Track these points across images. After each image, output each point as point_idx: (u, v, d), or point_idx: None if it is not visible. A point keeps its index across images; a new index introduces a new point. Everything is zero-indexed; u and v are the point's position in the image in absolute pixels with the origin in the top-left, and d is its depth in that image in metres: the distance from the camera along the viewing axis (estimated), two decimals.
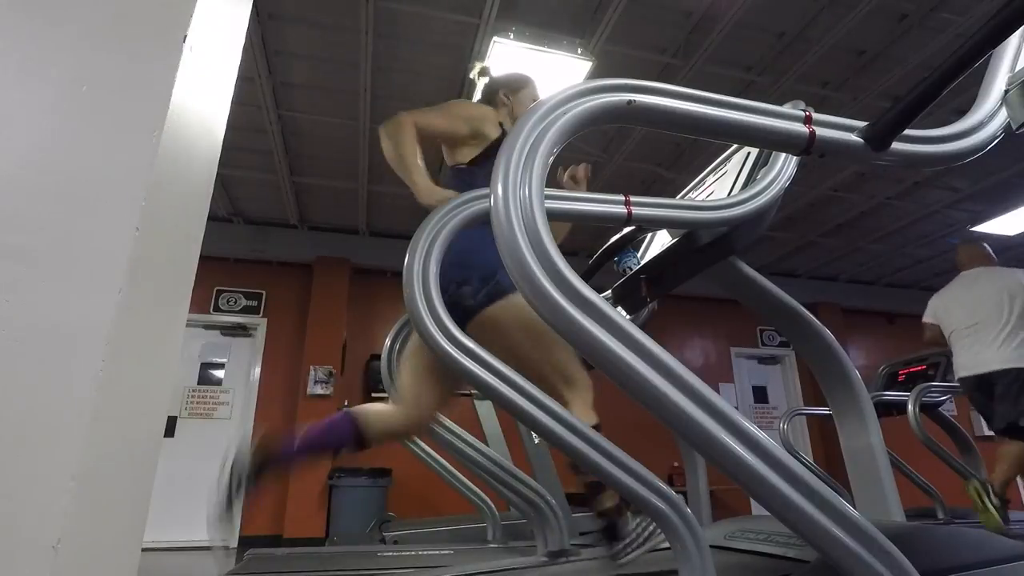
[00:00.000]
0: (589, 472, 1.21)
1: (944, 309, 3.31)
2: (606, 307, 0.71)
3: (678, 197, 1.60)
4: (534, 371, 1.59)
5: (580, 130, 0.79)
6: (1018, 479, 6.01)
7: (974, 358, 3.09)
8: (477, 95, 1.99)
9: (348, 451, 1.60)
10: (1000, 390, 2.97)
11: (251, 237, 6.12)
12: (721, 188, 1.33)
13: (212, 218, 4.29)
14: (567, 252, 0.83)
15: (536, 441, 3.22)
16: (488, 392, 1.16)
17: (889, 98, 4.34)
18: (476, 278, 1.59)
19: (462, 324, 1.56)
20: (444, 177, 1.86)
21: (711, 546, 1.12)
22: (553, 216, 0.90)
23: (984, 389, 3.05)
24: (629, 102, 0.80)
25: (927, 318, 3.38)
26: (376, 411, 1.67)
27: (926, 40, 3.88)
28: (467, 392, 2.99)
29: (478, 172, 1.73)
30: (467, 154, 1.78)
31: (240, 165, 5.14)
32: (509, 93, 1.96)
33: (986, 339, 3.06)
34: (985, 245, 3.43)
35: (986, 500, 2.75)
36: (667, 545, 1.11)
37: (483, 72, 2.00)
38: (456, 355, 1.15)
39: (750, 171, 1.25)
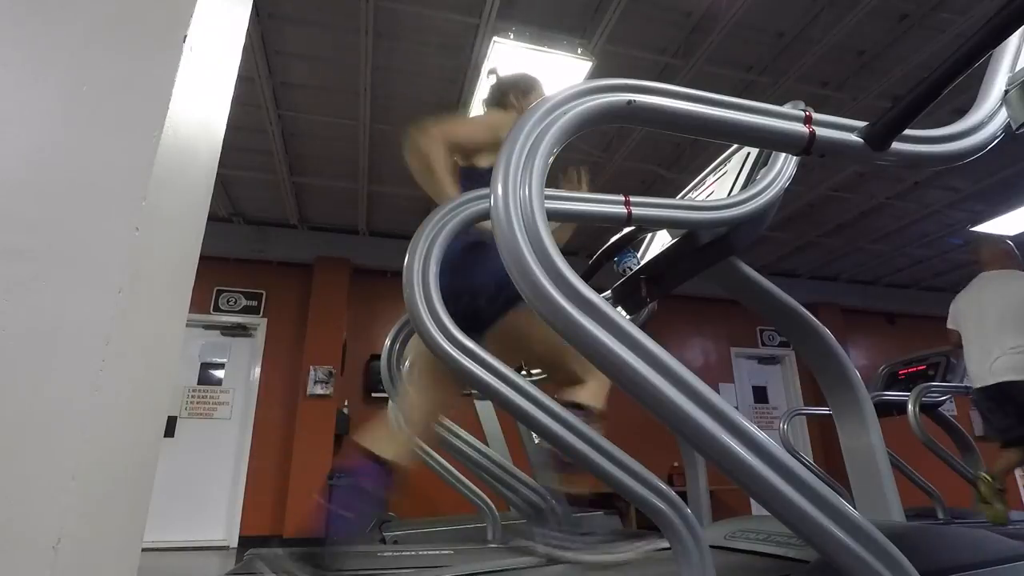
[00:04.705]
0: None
1: (960, 313, 3.29)
2: (606, 307, 0.71)
3: (678, 197, 1.60)
4: (556, 358, 1.67)
5: (580, 130, 0.79)
6: (1018, 480, 6.02)
7: (984, 367, 3.06)
8: (481, 93, 1.99)
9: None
10: (1014, 402, 2.95)
11: (251, 237, 6.12)
12: (721, 188, 1.33)
13: (212, 218, 4.25)
14: (567, 252, 0.83)
15: (536, 441, 3.22)
16: (488, 392, 1.16)
17: (889, 98, 4.34)
18: (492, 285, 1.59)
19: (481, 330, 1.57)
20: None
21: (711, 546, 1.12)
22: (553, 216, 0.91)
23: (996, 399, 3.03)
24: (629, 102, 0.80)
25: (949, 324, 3.34)
26: (385, 436, 1.61)
27: (926, 40, 3.88)
28: (467, 392, 2.98)
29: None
30: (486, 160, 1.76)
31: (240, 165, 5.14)
32: (519, 96, 1.95)
33: (995, 346, 3.02)
34: (1008, 242, 3.38)
35: (995, 495, 2.73)
36: (667, 545, 1.11)
37: (491, 72, 2.02)
38: (456, 355, 1.15)
39: (750, 171, 1.25)
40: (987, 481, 2.80)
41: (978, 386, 3.08)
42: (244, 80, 3.93)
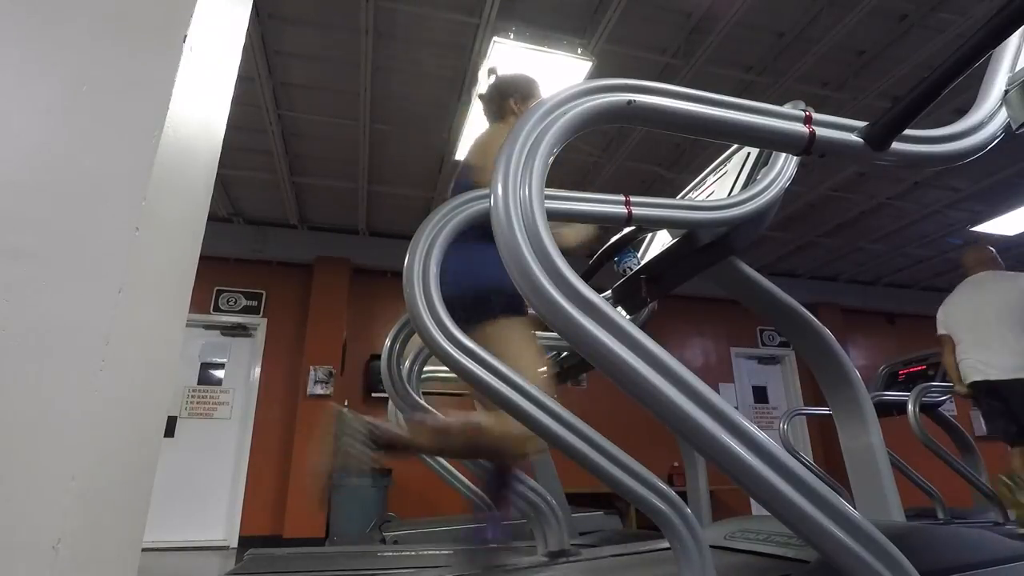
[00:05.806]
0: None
1: (951, 317, 3.29)
2: (606, 307, 0.71)
3: (678, 197, 1.60)
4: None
5: (580, 130, 0.79)
6: None
7: (979, 365, 3.06)
8: (480, 88, 1.99)
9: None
10: (1012, 401, 2.95)
11: (251, 237, 6.12)
12: (721, 188, 1.33)
13: (212, 218, 4.25)
14: (567, 252, 0.83)
15: None
16: (488, 392, 1.16)
17: (889, 98, 4.34)
18: (472, 294, 1.57)
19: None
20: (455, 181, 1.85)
21: (711, 546, 1.12)
22: (553, 216, 0.91)
23: (994, 396, 3.03)
24: (629, 102, 0.80)
25: (940, 330, 3.34)
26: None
27: (926, 40, 3.88)
28: (467, 392, 2.98)
29: None
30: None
31: (240, 165, 5.14)
32: (519, 102, 1.93)
33: (991, 346, 3.02)
34: (991, 248, 3.41)
35: (1018, 493, 2.70)
36: (667, 545, 1.11)
37: (491, 72, 1.99)
38: (456, 355, 1.15)
39: (750, 171, 1.25)
40: (1006, 483, 2.76)
41: (976, 379, 3.08)
42: (244, 80, 3.93)
